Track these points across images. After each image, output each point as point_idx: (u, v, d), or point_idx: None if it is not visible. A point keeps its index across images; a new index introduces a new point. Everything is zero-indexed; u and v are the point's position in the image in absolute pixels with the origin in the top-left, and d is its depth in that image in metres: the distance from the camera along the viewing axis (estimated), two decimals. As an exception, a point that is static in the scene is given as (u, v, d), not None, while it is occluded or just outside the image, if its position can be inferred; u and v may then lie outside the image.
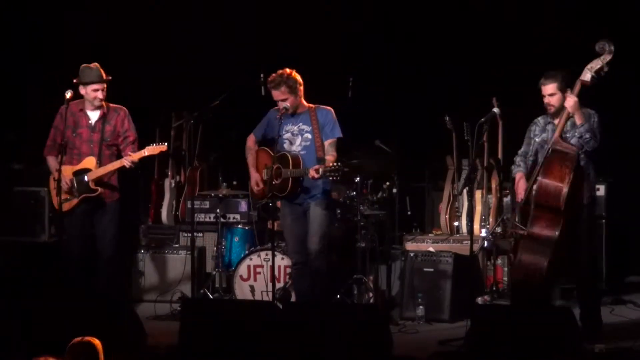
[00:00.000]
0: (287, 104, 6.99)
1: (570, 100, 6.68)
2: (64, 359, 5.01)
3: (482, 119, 6.80)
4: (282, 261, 7.91)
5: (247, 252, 8.30)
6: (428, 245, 8.41)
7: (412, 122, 9.12)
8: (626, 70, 8.59)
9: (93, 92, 7.44)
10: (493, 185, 8.75)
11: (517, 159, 7.17)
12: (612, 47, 6.64)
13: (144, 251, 8.90)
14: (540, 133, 7.07)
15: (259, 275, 8.12)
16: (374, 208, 8.40)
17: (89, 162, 7.46)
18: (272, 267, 6.86)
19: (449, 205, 8.94)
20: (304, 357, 6.03)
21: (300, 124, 7.11)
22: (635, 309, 7.99)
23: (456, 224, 8.86)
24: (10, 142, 8.69)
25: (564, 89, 6.83)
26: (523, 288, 6.65)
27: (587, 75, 6.68)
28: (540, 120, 7.09)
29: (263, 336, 6.08)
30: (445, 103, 8.93)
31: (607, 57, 6.65)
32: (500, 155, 8.55)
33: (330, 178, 6.87)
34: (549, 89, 6.86)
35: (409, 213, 9.22)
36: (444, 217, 8.93)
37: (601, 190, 8.52)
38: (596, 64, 6.67)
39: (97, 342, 5.63)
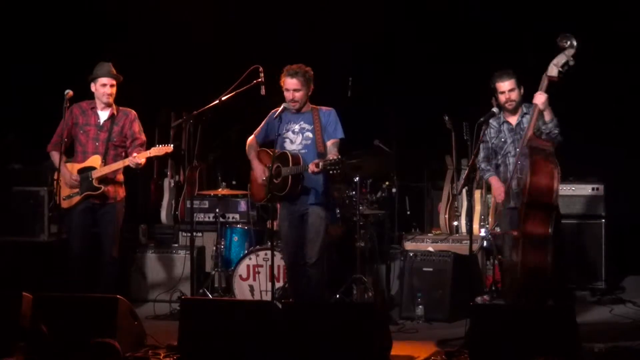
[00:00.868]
0: (296, 96, 6.98)
1: (542, 97, 6.76)
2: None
3: (482, 119, 6.81)
4: (282, 261, 7.90)
5: (246, 251, 8.30)
6: (427, 245, 8.42)
7: (412, 121, 9.11)
8: (626, 70, 8.63)
9: (102, 87, 7.47)
10: (492, 185, 8.75)
11: (482, 165, 7.26)
12: (575, 41, 6.68)
13: (143, 251, 8.91)
14: (496, 134, 7.14)
15: (259, 275, 8.12)
16: (374, 208, 8.40)
17: (94, 160, 7.48)
18: (272, 266, 6.86)
19: (448, 204, 8.95)
20: (303, 356, 6.03)
21: (302, 122, 7.10)
22: (635, 308, 7.99)
23: (455, 223, 8.87)
24: (10, 141, 8.68)
25: (519, 85, 6.99)
26: (532, 287, 6.64)
27: (553, 71, 6.74)
28: (492, 122, 7.14)
29: (262, 336, 6.09)
30: (445, 103, 8.94)
31: (571, 51, 6.71)
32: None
33: (331, 172, 6.84)
34: (508, 85, 7.00)
35: (408, 213, 9.24)
36: (443, 217, 8.94)
37: (600, 190, 8.54)
38: (561, 58, 6.73)
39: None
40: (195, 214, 8.37)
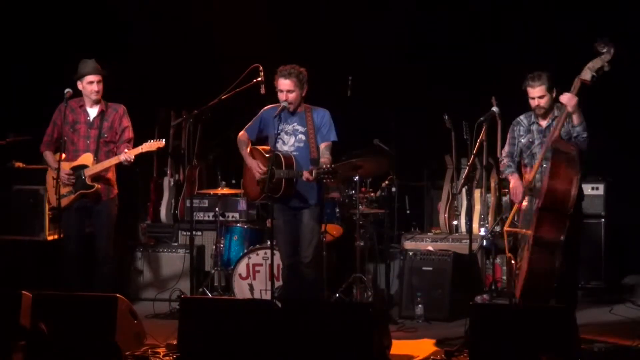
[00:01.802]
0: (290, 97, 6.95)
1: (572, 100, 6.67)
2: None
3: (482, 118, 6.80)
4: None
5: (246, 250, 8.30)
6: (427, 244, 8.42)
7: (412, 121, 9.11)
8: (626, 69, 8.62)
9: (89, 84, 7.43)
10: (492, 184, 8.76)
11: (506, 160, 7.17)
12: (613, 48, 6.63)
13: (142, 249, 8.92)
14: (525, 134, 7.08)
15: (258, 274, 8.12)
16: (373, 207, 8.40)
17: (86, 158, 7.45)
18: (271, 265, 6.86)
19: (448, 204, 8.95)
20: (303, 355, 6.03)
21: (295, 123, 7.05)
22: (634, 307, 8.00)
23: (455, 222, 8.87)
24: (10, 141, 8.67)
25: (551, 90, 6.88)
26: (534, 290, 6.63)
27: (587, 75, 6.67)
28: (523, 120, 7.10)
29: (262, 335, 6.08)
30: (445, 102, 8.94)
31: (607, 57, 6.64)
32: (499, 155, 8.55)
33: (324, 180, 6.85)
34: (538, 91, 6.90)
35: (408, 212, 9.24)
36: (443, 216, 8.94)
37: (600, 190, 8.55)
38: (597, 63, 6.66)
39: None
40: (194, 213, 8.38)
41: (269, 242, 7.48)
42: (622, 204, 8.75)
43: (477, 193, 8.71)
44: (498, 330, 5.95)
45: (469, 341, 6.14)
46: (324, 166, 6.76)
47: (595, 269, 8.45)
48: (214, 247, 8.61)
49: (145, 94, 9.52)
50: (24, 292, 6.38)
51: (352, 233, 8.11)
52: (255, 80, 7.18)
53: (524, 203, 6.98)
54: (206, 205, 9.14)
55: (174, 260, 8.81)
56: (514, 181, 7.07)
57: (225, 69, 7.96)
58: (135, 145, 7.48)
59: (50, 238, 8.36)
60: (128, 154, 7.34)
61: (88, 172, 7.41)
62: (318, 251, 7.18)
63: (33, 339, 6.16)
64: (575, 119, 6.73)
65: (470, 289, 7.65)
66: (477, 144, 6.80)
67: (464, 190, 8.50)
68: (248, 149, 7.12)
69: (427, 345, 6.84)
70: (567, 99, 6.70)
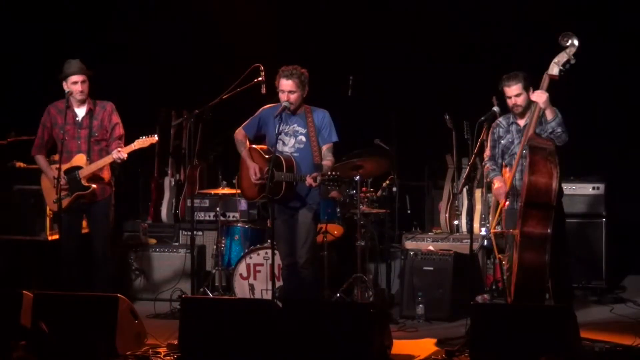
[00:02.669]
0: (291, 98, 6.94)
1: (543, 96, 6.72)
2: None
3: (482, 118, 6.80)
4: (282, 260, 7.91)
5: (246, 250, 8.29)
6: (428, 244, 8.42)
7: (412, 120, 9.11)
8: (626, 69, 8.63)
9: (73, 84, 7.38)
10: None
11: (489, 164, 7.19)
12: (576, 40, 6.67)
13: (143, 249, 8.91)
14: (504, 134, 7.10)
15: (259, 273, 8.12)
16: (374, 206, 8.40)
17: (79, 159, 7.40)
18: (272, 265, 6.85)
19: (449, 203, 8.95)
20: (304, 355, 6.03)
21: (296, 124, 7.02)
22: (635, 307, 8.00)
23: (456, 222, 8.87)
24: (11, 140, 8.67)
25: (527, 88, 6.91)
26: (527, 287, 6.63)
27: (554, 70, 6.72)
28: (502, 121, 7.12)
29: (263, 335, 6.09)
30: (445, 102, 8.93)
31: (572, 50, 6.69)
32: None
33: (328, 187, 6.86)
34: (515, 90, 6.93)
35: (408, 212, 9.23)
36: (443, 216, 8.94)
37: (601, 189, 8.54)
38: (562, 57, 6.71)
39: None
40: (195, 213, 8.36)
41: (269, 242, 7.48)
42: (622, 204, 8.75)
43: (478, 193, 8.71)
44: (499, 330, 5.95)
45: (470, 341, 6.14)
46: (329, 173, 6.74)
47: (596, 268, 8.44)
48: (214, 247, 8.61)
49: (146, 94, 9.52)
50: (24, 291, 6.39)
51: (353, 233, 8.11)
52: (256, 80, 7.17)
53: (507, 203, 7.00)
54: (207, 205, 9.15)
55: (174, 260, 8.80)
56: (497, 183, 7.09)
57: (226, 69, 7.96)
58: (128, 143, 7.44)
59: (51, 238, 8.36)
60: (120, 153, 7.29)
61: (82, 173, 7.36)
62: (315, 251, 7.16)
63: (34, 338, 6.16)
64: (549, 114, 6.76)
65: (471, 288, 7.63)
66: (478, 143, 6.80)
67: (464, 190, 8.50)
68: (247, 150, 7.11)
69: (427, 345, 6.84)
70: (538, 95, 6.75)
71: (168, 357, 6.45)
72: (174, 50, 9.81)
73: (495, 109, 6.98)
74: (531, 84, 6.89)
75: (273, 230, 6.91)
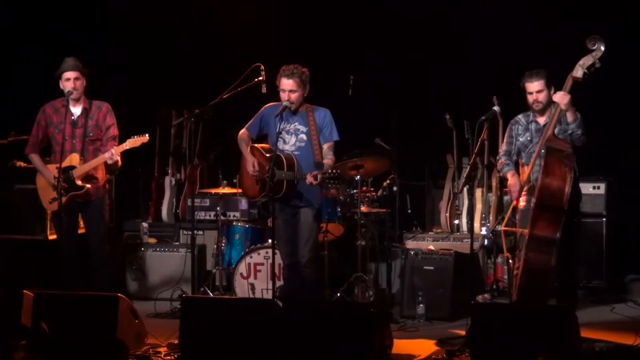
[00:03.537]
0: (292, 98, 6.94)
1: (565, 98, 6.70)
2: None
3: (483, 117, 6.79)
4: (283, 259, 7.91)
5: (247, 250, 8.29)
6: (428, 244, 8.42)
7: (413, 120, 9.11)
8: (626, 69, 8.62)
9: (66, 81, 7.34)
10: (493, 184, 8.77)
11: (503, 158, 7.16)
12: (603, 44, 6.66)
13: (144, 249, 8.91)
14: (523, 132, 7.08)
15: (259, 273, 8.12)
16: (375, 206, 8.40)
17: (73, 159, 7.37)
18: (272, 265, 6.85)
19: (449, 203, 8.95)
20: (304, 355, 6.03)
21: (296, 123, 7.03)
22: (636, 307, 8.01)
23: (456, 222, 8.88)
24: (11, 140, 8.67)
25: (549, 86, 6.90)
26: (530, 289, 6.63)
27: (579, 72, 6.71)
28: (521, 119, 7.11)
29: (263, 334, 6.08)
30: (446, 101, 8.93)
31: (598, 54, 6.67)
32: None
33: (329, 185, 6.86)
34: (537, 86, 6.91)
35: (409, 211, 9.23)
36: (444, 215, 8.94)
37: (601, 189, 8.54)
38: (588, 60, 6.70)
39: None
40: (196, 212, 8.35)
41: (270, 242, 7.48)
42: (623, 204, 8.75)
43: (478, 192, 8.71)
44: (499, 329, 5.95)
45: (471, 340, 6.14)
46: (330, 171, 6.75)
47: (597, 268, 8.44)
48: (215, 246, 8.61)
49: (146, 94, 9.52)
50: (25, 291, 6.38)
51: (353, 232, 8.11)
52: (256, 80, 7.17)
53: (522, 203, 6.99)
54: (207, 204, 9.15)
55: (175, 259, 8.80)
56: (511, 179, 7.06)
57: (226, 69, 7.97)
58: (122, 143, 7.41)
59: (51, 237, 8.36)
60: (113, 155, 7.25)
61: (76, 173, 7.33)
62: (316, 251, 7.16)
63: (34, 338, 6.17)
64: (569, 116, 6.75)
65: (471, 288, 7.64)
66: (479, 143, 6.80)
67: (465, 189, 8.50)
68: (248, 147, 7.12)
69: (428, 345, 6.84)
70: (560, 97, 6.73)
71: (168, 357, 6.45)
72: (174, 50, 9.81)
73: (496, 108, 6.97)
74: (553, 83, 6.88)
75: (274, 230, 6.91)
